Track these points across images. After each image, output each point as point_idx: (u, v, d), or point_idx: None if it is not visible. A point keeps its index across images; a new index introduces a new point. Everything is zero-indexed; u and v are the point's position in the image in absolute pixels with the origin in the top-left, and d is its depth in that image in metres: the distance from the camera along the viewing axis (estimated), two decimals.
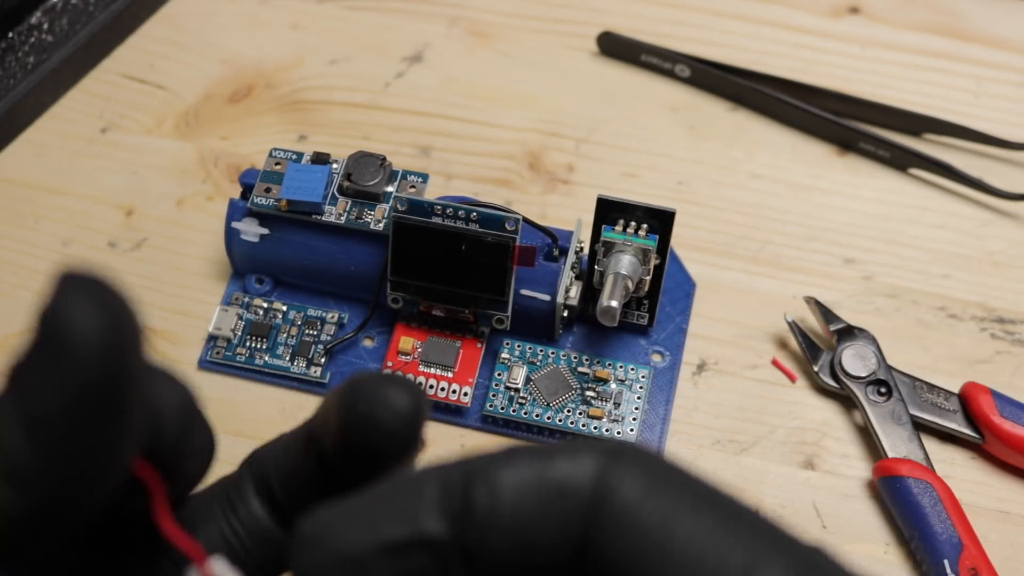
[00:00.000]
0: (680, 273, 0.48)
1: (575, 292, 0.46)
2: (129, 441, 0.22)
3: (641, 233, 0.43)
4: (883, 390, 0.45)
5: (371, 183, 0.45)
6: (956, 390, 0.45)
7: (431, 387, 0.45)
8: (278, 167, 0.46)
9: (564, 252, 0.45)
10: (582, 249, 0.46)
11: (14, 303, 0.48)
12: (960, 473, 0.44)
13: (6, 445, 0.20)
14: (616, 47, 0.55)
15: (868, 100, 0.53)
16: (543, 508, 0.20)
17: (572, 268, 0.45)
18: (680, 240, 0.49)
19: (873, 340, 0.46)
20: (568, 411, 0.44)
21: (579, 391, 0.45)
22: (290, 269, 0.47)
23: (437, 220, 0.43)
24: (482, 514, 0.21)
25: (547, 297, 0.44)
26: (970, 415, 0.44)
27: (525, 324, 0.45)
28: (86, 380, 0.20)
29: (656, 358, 0.46)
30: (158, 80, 0.54)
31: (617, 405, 0.44)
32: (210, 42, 0.55)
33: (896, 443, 0.44)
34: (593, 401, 0.44)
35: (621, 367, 0.45)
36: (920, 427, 0.44)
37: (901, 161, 0.51)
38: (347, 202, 0.45)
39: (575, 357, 0.45)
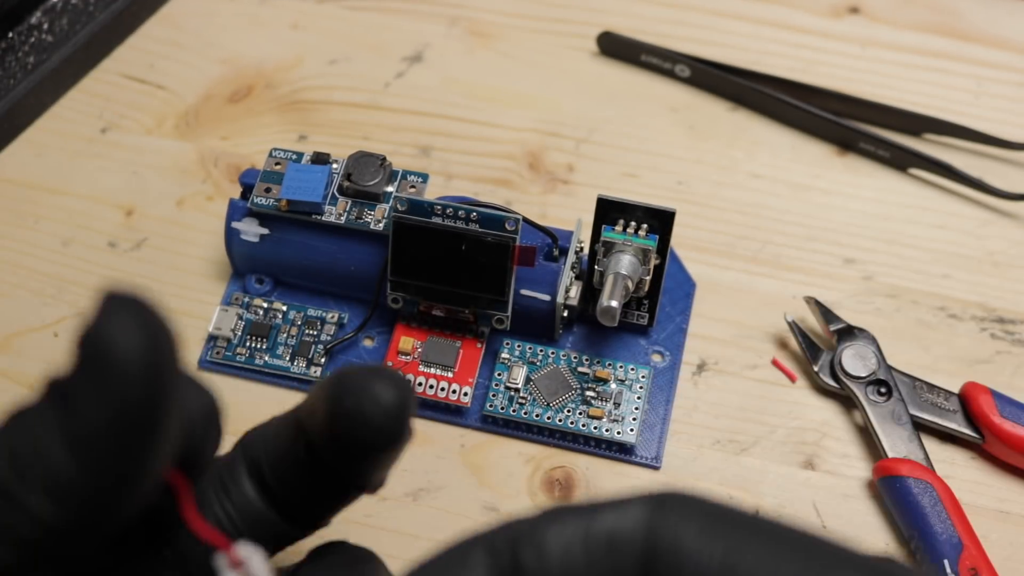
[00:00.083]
0: (680, 273, 0.48)
1: (575, 292, 0.46)
2: (166, 453, 0.22)
3: (641, 233, 0.43)
4: (883, 390, 0.45)
5: (371, 183, 0.45)
6: (956, 390, 0.45)
7: (431, 387, 0.45)
8: (278, 167, 0.46)
9: (564, 252, 0.45)
10: (582, 249, 0.46)
11: (14, 303, 0.48)
12: (960, 473, 0.44)
13: (51, 460, 0.21)
14: (616, 47, 0.55)
15: (868, 100, 0.53)
16: (592, 562, 0.20)
17: (572, 268, 0.45)
18: (680, 240, 0.49)
19: (873, 340, 0.46)
20: (568, 411, 0.44)
21: (579, 391, 0.45)
22: (290, 269, 0.47)
23: (437, 220, 0.43)
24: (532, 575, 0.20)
25: (547, 297, 0.44)
26: (970, 415, 0.44)
27: (525, 324, 0.45)
28: (130, 399, 0.21)
29: (656, 358, 0.46)
30: (158, 80, 0.54)
31: (617, 405, 0.44)
32: (210, 42, 0.55)
33: (896, 443, 0.44)
34: (593, 401, 0.44)
35: (621, 367, 0.45)
36: (920, 427, 0.44)
37: (901, 161, 0.51)
38: (347, 202, 0.45)
39: (575, 357, 0.45)
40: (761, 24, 0.56)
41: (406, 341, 0.45)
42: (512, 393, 0.45)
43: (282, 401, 0.46)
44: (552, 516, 0.21)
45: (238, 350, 0.46)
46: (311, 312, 0.47)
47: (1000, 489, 0.44)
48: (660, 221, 0.43)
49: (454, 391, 0.45)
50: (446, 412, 0.45)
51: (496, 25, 0.56)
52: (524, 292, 0.44)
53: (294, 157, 0.46)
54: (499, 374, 0.45)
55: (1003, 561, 0.42)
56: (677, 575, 0.19)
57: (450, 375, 0.45)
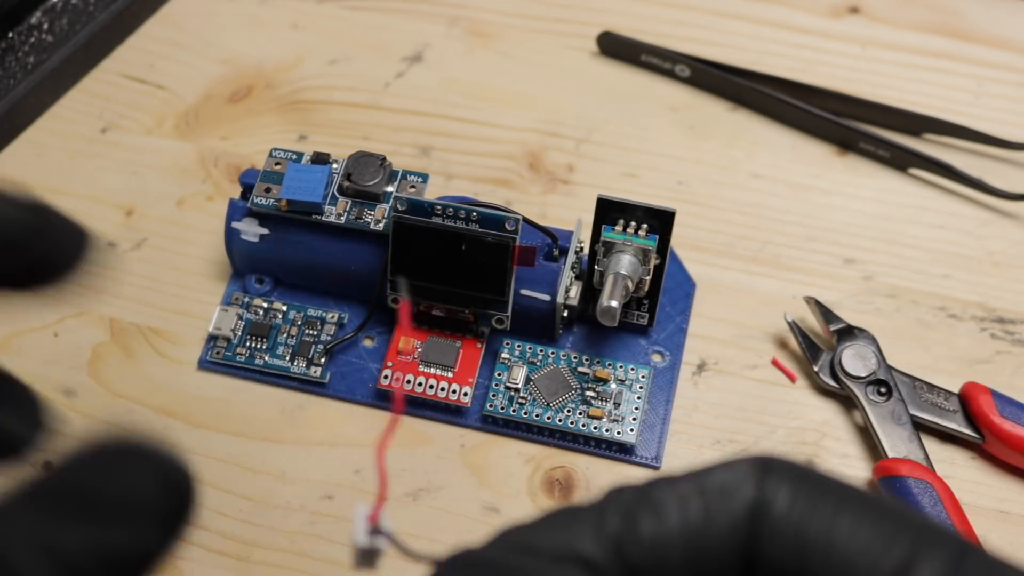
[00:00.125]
0: (680, 273, 0.48)
1: (575, 292, 0.46)
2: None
3: (641, 233, 0.43)
4: (883, 390, 0.45)
5: (371, 183, 0.45)
6: (956, 390, 0.45)
7: (431, 387, 0.45)
8: (278, 167, 0.46)
9: (564, 252, 0.45)
10: (582, 249, 0.46)
11: (14, 303, 0.48)
12: (960, 473, 0.44)
13: (22, 569, 0.20)
14: (616, 47, 0.55)
15: (868, 100, 0.53)
16: (711, 511, 0.21)
17: (572, 268, 0.45)
18: (680, 240, 0.49)
19: (873, 340, 0.46)
20: (568, 411, 0.44)
21: (579, 391, 0.45)
22: (290, 269, 0.47)
23: (437, 220, 0.43)
24: (648, 528, 0.21)
25: (547, 297, 0.44)
26: (970, 415, 0.44)
27: (525, 324, 0.45)
28: (132, 549, 0.20)
29: (656, 358, 0.46)
30: (158, 80, 0.54)
31: (617, 405, 0.44)
32: (210, 42, 0.55)
33: (896, 443, 0.44)
34: (593, 401, 0.44)
35: (621, 367, 0.45)
36: (920, 427, 0.44)
37: (901, 161, 0.51)
38: (347, 202, 0.45)
39: (575, 357, 0.45)
40: (761, 24, 0.56)
41: (406, 341, 0.45)
42: (512, 393, 0.45)
43: (282, 401, 0.47)
44: (661, 480, 0.22)
45: (238, 350, 0.46)
46: (311, 312, 0.47)
47: (1000, 489, 0.44)
48: (660, 221, 0.43)
49: (454, 391, 0.45)
50: (446, 412, 0.45)
51: (496, 25, 0.56)
52: (524, 292, 0.44)
53: (294, 157, 0.46)
54: (499, 374, 0.45)
55: None
56: (782, 531, 0.20)
57: (450, 375, 0.45)
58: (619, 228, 0.43)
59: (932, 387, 0.45)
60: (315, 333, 0.46)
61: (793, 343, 0.47)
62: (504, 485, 0.44)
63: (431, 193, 0.46)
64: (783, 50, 0.55)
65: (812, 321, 0.47)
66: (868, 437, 0.45)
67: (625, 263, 0.43)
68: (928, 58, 0.55)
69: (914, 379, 0.45)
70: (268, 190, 0.45)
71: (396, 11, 0.57)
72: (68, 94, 0.54)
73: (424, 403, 0.45)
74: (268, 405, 0.46)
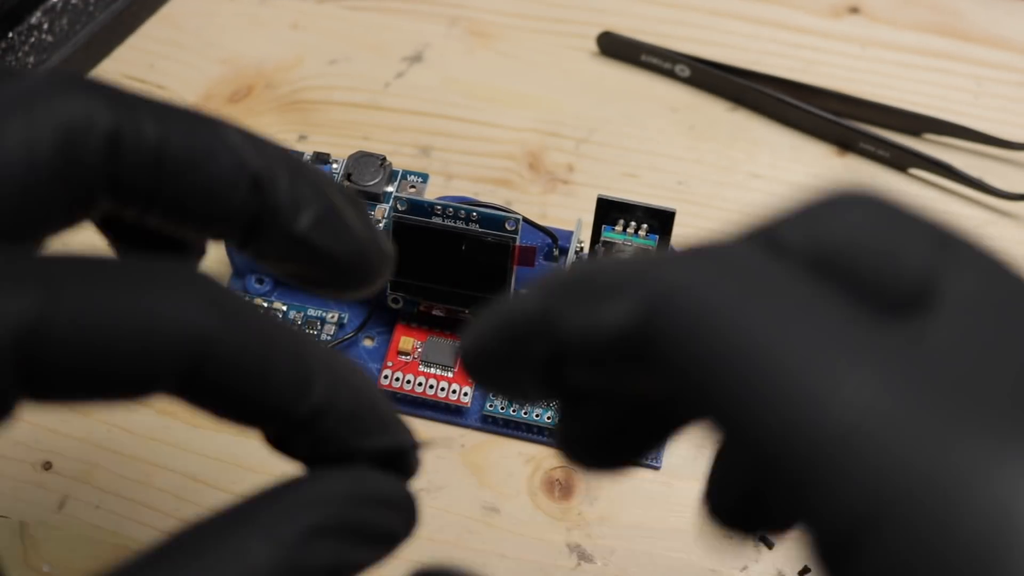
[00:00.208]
0: None
1: None
2: None
3: (641, 233, 0.43)
4: None
5: (371, 183, 0.45)
6: None
7: (431, 387, 0.45)
8: None
9: (564, 252, 0.45)
10: (582, 249, 0.46)
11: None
12: None
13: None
14: (616, 47, 0.55)
15: (868, 100, 0.53)
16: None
17: None
18: (680, 240, 0.49)
19: None
20: None
21: None
22: None
23: (437, 220, 0.43)
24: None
25: None
26: None
27: None
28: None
29: None
30: (158, 80, 0.54)
31: None
32: (210, 42, 0.55)
33: None
34: None
35: None
36: None
37: (901, 161, 0.51)
38: None
39: None
40: (761, 24, 0.56)
41: (406, 341, 0.45)
42: None
43: None
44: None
45: None
46: (311, 312, 0.47)
47: None
48: (660, 221, 0.43)
49: (454, 391, 0.45)
50: (446, 412, 0.45)
51: (496, 25, 0.56)
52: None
53: None
54: None
55: None
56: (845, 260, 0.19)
57: (450, 375, 0.45)
58: (619, 228, 0.43)
59: None
60: (315, 333, 0.46)
61: None
62: (504, 485, 0.44)
63: (431, 193, 0.46)
64: (783, 50, 0.55)
65: None
66: None
67: None
68: (928, 58, 0.55)
69: None
70: None
71: (396, 11, 0.57)
72: None
73: (424, 403, 0.45)
74: None
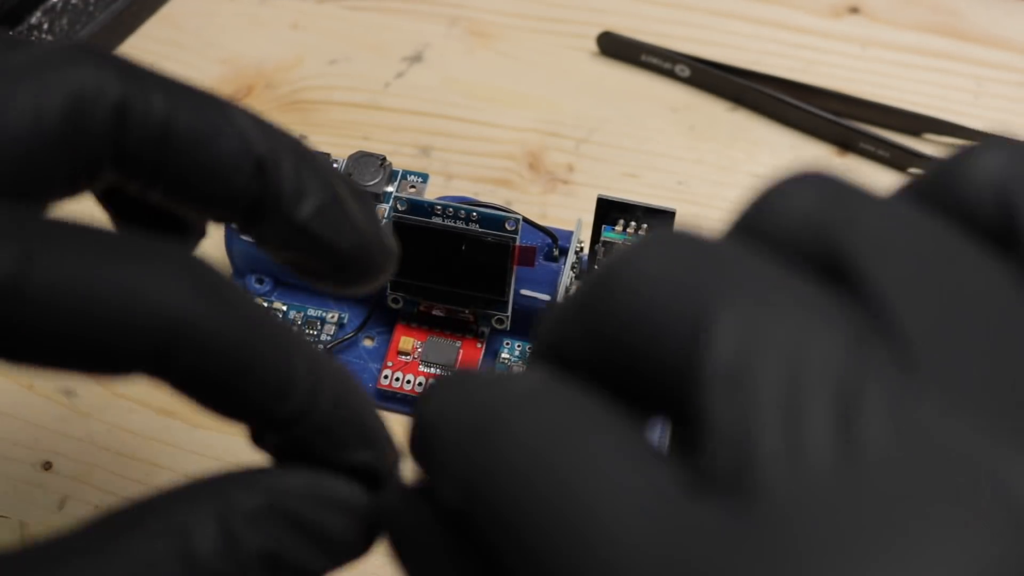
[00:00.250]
0: None
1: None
2: None
3: (641, 233, 0.43)
4: None
5: (371, 183, 0.45)
6: None
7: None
8: None
9: (564, 252, 0.45)
10: (582, 249, 0.46)
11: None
12: None
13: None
14: (616, 47, 0.55)
15: (868, 100, 0.53)
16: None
17: (572, 268, 0.45)
18: None
19: None
20: None
21: None
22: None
23: (437, 220, 0.43)
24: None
25: (547, 297, 0.44)
26: None
27: (525, 324, 0.45)
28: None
29: None
30: None
31: None
32: (210, 42, 0.55)
33: None
34: None
35: None
36: None
37: (901, 161, 0.51)
38: None
39: None
40: (761, 24, 0.56)
41: (406, 341, 0.45)
42: None
43: None
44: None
45: None
46: (311, 312, 0.47)
47: None
48: (660, 221, 0.43)
49: None
50: None
51: (496, 25, 0.56)
52: (524, 292, 0.44)
53: None
54: None
55: None
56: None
57: None
58: (619, 228, 0.43)
59: None
60: (315, 333, 0.46)
61: None
62: None
63: (431, 193, 0.46)
64: (783, 50, 0.55)
65: None
66: None
67: None
68: (928, 58, 0.55)
69: None
70: None
71: (396, 11, 0.57)
72: None
73: None
74: None
